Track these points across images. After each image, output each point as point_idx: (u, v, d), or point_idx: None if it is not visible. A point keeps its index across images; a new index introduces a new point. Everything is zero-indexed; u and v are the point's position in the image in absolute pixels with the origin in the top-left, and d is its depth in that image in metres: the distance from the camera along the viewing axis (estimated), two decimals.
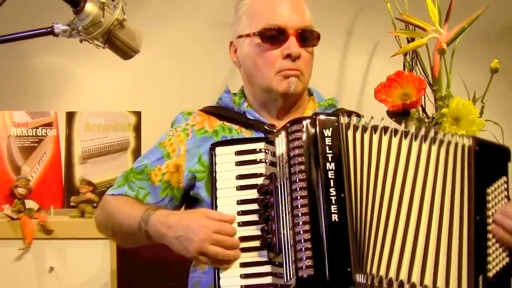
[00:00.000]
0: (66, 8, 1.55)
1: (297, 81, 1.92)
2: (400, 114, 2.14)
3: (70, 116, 2.76)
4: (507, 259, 1.70)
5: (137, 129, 2.78)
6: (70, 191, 2.72)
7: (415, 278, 1.62)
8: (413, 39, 2.50)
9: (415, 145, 1.73)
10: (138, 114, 2.79)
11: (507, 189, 1.75)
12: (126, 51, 1.62)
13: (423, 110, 2.51)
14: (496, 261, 1.68)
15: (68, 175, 2.74)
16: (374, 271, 1.60)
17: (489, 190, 1.72)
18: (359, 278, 1.58)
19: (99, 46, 1.59)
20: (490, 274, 1.66)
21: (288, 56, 1.91)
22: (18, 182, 2.66)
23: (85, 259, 2.59)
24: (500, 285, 1.67)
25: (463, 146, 1.76)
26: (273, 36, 1.92)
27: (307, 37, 1.94)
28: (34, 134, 2.72)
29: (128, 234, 1.86)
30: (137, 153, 2.73)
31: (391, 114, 2.14)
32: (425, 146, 1.73)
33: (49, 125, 2.75)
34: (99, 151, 2.76)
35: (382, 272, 1.61)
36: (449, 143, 1.75)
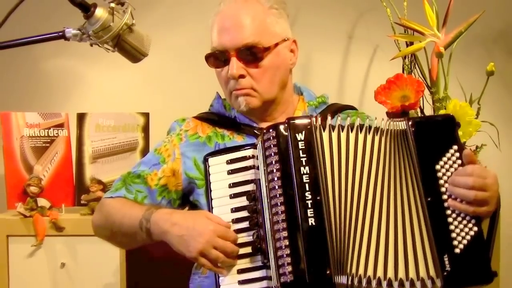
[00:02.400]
0: (75, 12, 1.59)
1: (248, 98, 1.89)
2: (399, 115, 2.16)
3: (81, 117, 2.78)
4: (476, 228, 1.63)
5: (146, 129, 2.80)
6: (81, 189, 2.76)
7: (390, 273, 1.61)
8: (411, 43, 2.54)
9: (377, 139, 1.71)
10: (146, 115, 2.81)
11: (460, 157, 1.66)
12: (135, 55, 1.65)
13: (422, 111, 2.55)
14: (462, 234, 1.62)
15: (79, 174, 2.77)
16: (354, 271, 1.60)
17: (438, 166, 1.65)
18: (339, 279, 1.59)
19: (109, 49, 1.62)
20: (457, 250, 1.60)
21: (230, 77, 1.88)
22: (31, 181, 2.70)
23: (96, 255, 2.62)
24: (472, 255, 1.61)
25: (400, 132, 1.71)
26: (217, 59, 1.90)
27: (250, 54, 1.87)
28: (46, 135, 2.76)
29: (128, 234, 1.85)
30: (145, 153, 2.72)
31: (390, 115, 2.17)
32: (377, 138, 1.71)
33: (60, 126, 2.77)
34: (109, 151, 2.79)
35: (361, 271, 1.61)
36: (387, 131, 1.71)
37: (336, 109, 2.02)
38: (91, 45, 1.61)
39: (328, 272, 1.58)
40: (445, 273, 1.60)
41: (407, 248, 1.64)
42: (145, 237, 1.80)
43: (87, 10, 1.57)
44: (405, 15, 2.62)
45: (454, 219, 1.64)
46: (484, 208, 1.65)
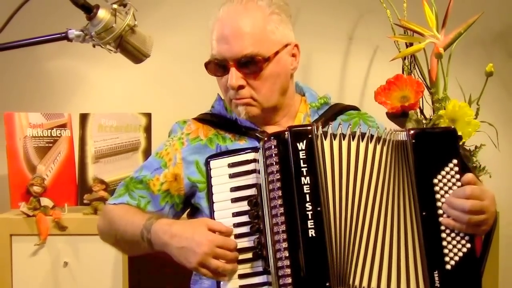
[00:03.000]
0: (78, 13, 1.59)
1: (248, 107, 1.86)
2: (399, 116, 2.18)
3: (84, 118, 2.79)
4: (469, 245, 1.62)
5: (148, 130, 2.81)
6: (83, 189, 2.77)
7: (383, 285, 1.63)
8: (411, 44, 2.55)
9: (378, 148, 1.69)
10: (148, 115, 2.82)
11: (459, 172, 1.64)
12: (137, 56, 1.65)
13: (421, 112, 2.56)
14: (454, 251, 1.62)
15: (81, 174, 2.78)
16: (351, 282, 1.62)
17: (436, 180, 1.63)
18: None
19: (111, 50, 1.61)
20: (449, 266, 1.61)
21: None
22: (34, 180, 2.71)
23: (98, 255, 2.63)
24: (462, 272, 1.61)
25: (400, 143, 1.69)
26: (216, 67, 1.87)
27: (248, 65, 1.82)
28: (49, 135, 2.77)
29: (131, 242, 1.83)
30: (147, 153, 2.75)
31: (390, 116, 2.19)
32: (379, 148, 1.69)
33: (63, 126, 2.79)
34: (111, 151, 2.80)
35: (357, 282, 1.62)
36: (389, 141, 1.69)
37: (339, 110, 2.01)
38: (94, 46, 1.61)
39: (327, 284, 1.59)
40: None
41: (400, 261, 1.64)
42: (146, 246, 1.78)
43: (90, 11, 1.57)
44: (405, 16, 2.63)
45: (448, 235, 1.63)
46: (479, 228, 1.66)
